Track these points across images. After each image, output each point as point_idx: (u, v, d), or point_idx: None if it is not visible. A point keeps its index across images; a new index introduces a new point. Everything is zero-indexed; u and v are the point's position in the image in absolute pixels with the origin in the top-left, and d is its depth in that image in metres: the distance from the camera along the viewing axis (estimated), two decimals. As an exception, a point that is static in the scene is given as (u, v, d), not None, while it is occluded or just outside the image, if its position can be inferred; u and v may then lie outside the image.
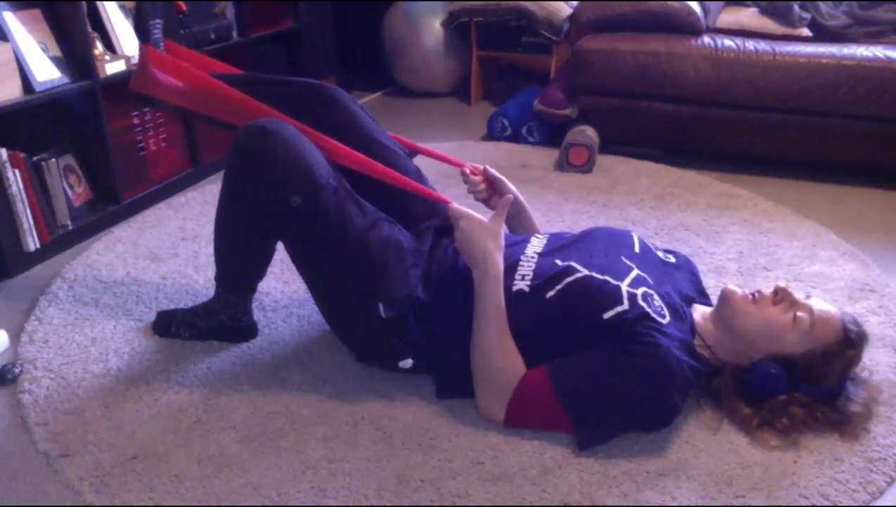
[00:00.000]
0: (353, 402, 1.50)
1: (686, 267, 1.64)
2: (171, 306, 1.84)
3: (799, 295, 1.41)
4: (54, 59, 2.19)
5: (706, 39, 2.78)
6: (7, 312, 1.88)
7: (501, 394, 1.38)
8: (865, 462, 1.33)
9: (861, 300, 1.88)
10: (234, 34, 2.97)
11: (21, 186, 2.04)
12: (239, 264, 1.64)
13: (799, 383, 1.37)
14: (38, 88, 2.09)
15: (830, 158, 2.73)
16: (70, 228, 2.25)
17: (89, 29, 2.26)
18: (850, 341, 1.37)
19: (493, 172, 1.69)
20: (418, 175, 1.72)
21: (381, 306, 1.42)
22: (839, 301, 1.88)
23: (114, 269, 2.08)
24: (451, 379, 1.49)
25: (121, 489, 1.28)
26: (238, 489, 1.28)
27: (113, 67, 2.33)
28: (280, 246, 1.61)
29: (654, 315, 1.35)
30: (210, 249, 2.13)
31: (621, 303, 1.35)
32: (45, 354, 1.67)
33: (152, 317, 1.79)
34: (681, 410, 1.39)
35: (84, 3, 2.24)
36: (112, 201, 2.41)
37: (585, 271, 1.41)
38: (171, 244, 2.23)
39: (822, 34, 2.91)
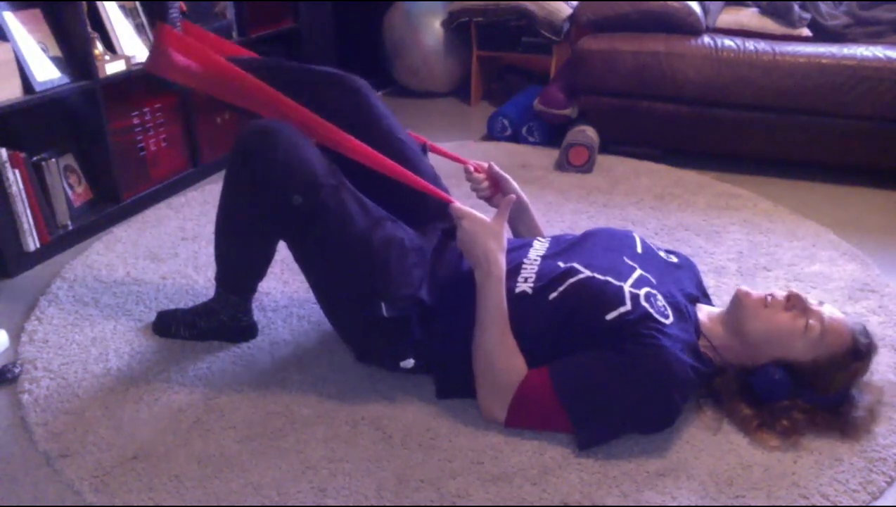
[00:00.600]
0: (353, 402, 1.50)
1: (688, 267, 1.64)
2: (171, 306, 1.84)
3: (812, 301, 1.40)
4: (54, 59, 2.19)
5: (706, 39, 2.78)
6: (7, 312, 1.88)
7: (503, 394, 1.38)
8: (865, 462, 1.33)
9: (861, 300, 1.88)
10: (234, 34, 2.98)
11: (21, 186, 2.04)
12: (239, 264, 1.64)
13: (802, 390, 1.37)
14: (38, 88, 2.09)
15: (830, 158, 2.73)
16: (70, 228, 2.25)
17: (89, 29, 2.26)
18: (858, 353, 1.36)
19: (498, 170, 1.68)
20: (434, 176, 1.70)
21: (383, 305, 1.41)
22: (839, 301, 1.88)
23: (114, 269, 2.08)
24: (452, 379, 1.49)
25: (121, 489, 1.28)
26: (238, 489, 1.28)
27: (113, 67, 2.33)
28: (280, 246, 1.61)
29: (656, 316, 1.35)
30: (210, 249, 2.13)
31: (624, 304, 1.35)
32: (45, 354, 1.67)
33: (152, 317, 1.79)
34: (682, 411, 1.39)
35: (84, 3, 2.24)
36: (112, 201, 2.41)
37: (588, 273, 1.41)
38: (171, 244, 2.23)
39: (822, 34, 2.91)
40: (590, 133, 2.88)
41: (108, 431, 1.42)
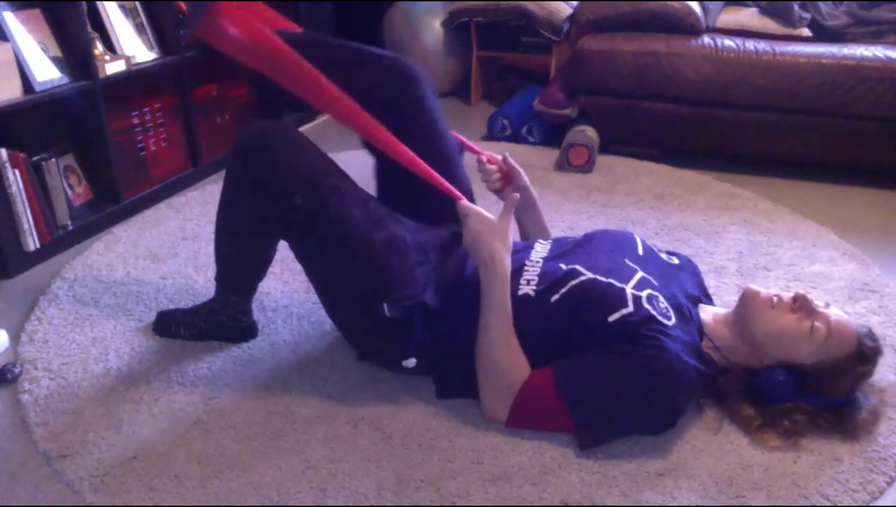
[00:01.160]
0: (353, 402, 1.50)
1: (689, 268, 1.64)
2: (171, 306, 1.84)
3: (818, 303, 1.39)
4: (54, 59, 2.19)
5: (706, 39, 2.78)
6: (7, 312, 1.88)
7: (506, 394, 1.38)
8: (865, 462, 1.33)
9: (861, 300, 1.88)
10: (234, 34, 2.97)
11: (21, 186, 2.04)
12: (239, 264, 1.63)
13: (806, 392, 1.37)
14: (38, 88, 2.09)
15: (830, 158, 2.73)
16: (70, 228, 2.25)
17: (89, 29, 2.26)
18: (863, 357, 1.36)
19: (513, 162, 1.68)
20: (466, 180, 1.68)
21: (385, 305, 1.41)
22: (839, 301, 1.88)
23: (114, 269, 2.08)
24: (452, 379, 1.48)
25: (121, 489, 1.28)
26: (238, 489, 1.28)
27: (113, 67, 2.33)
28: (280, 246, 1.61)
29: (659, 317, 1.35)
30: (210, 249, 2.13)
31: (626, 305, 1.35)
32: (45, 354, 1.67)
33: (152, 317, 1.79)
34: (684, 413, 1.39)
35: (84, 3, 2.24)
36: (112, 201, 2.41)
37: (590, 274, 1.41)
38: (171, 244, 2.23)
39: (822, 34, 2.91)
40: (590, 133, 2.88)
41: (108, 431, 1.42)
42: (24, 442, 1.41)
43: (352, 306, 1.48)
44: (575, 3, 3.34)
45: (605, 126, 2.96)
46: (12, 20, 2.10)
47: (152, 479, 1.30)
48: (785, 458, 1.34)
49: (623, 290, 1.38)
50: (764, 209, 2.46)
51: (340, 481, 1.30)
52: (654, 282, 1.45)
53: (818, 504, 1.24)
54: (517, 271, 1.46)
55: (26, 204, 2.06)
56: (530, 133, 3.15)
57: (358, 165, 1.72)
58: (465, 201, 1.44)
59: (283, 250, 1.59)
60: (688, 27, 2.82)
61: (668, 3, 2.82)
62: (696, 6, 2.86)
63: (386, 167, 1.56)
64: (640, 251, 1.54)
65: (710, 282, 1.93)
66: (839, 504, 1.25)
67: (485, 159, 1.67)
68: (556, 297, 1.40)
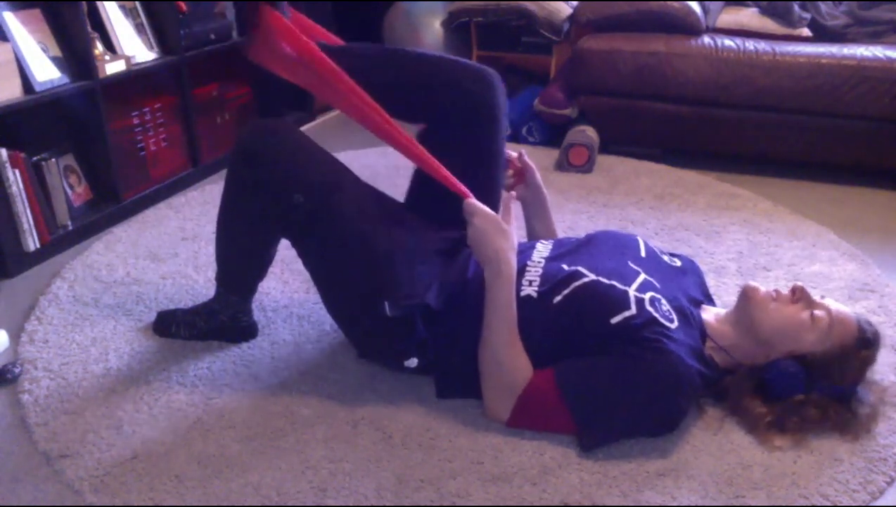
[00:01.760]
0: (353, 402, 1.50)
1: (691, 271, 1.64)
2: (171, 306, 1.84)
3: (815, 295, 1.42)
4: (54, 59, 2.19)
5: (706, 39, 2.78)
6: (7, 312, 1.88)
7: (509, 394, 1.38)
8: (865, 462, 1.33)
9: (861, 300, 1.88)
10: (234, 34, 2.97)
11: (21, 186, 2.04)
12: (240, 263, 1.63)
13: (816, 383, 1.38)
14: (38, 88, 2.09)
15: (830, 158, 2.73)
16: (70, 228, 2.25)
17: (89, 29, 2.26)
18: (866, 341, 1.38)
19: (528, 160, 1.68)
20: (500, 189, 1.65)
21: (386, 304, 1.41)
22: (839, 301, 1.86)
23: (114, 269, 2.08)
24: (453, 379, 1.48)
25: (121, 489, 1.28)
26: (238, 489, 1.28)
27: (113, 67, 2.33)
28: (280, 246, 1.61)
29: (661, 320, 1.35)
30: (210, 249, 2.13)
31: (629, 308, 1.35)
32: (45, 354, 1.67)
33: (152, 317, 1.79)
34: (686, 415, 1.39)
35: (84, 3, 2.24)
36: (112, 201, 2.41)
37: (592, 276, 1.40)
38: (171, 244, 2.23)
39: (822, 34, 2.91)
40: (590, 133, 2.88)
41: (108, 431, 1.42)
42: (24, 442, 1.41)
43: (353, 305, 1.48)
44: (575, 3, 3.34)
45: (605, 126, 2.97)
46: (12, 20, 2.10)
47: (152, 479, 1.30)
48: (785, 458, 1.34)
49: (626, 292, 1.38)
50: (764, 209, 2.46)
51: (340, 481, 1.30)
52: (657, 284, 1.45)
53: (818, 504, 1.24)
54: (519, 272, 1.45)
55: (26, 204, 2.06)
56: (530, 133, 3.15)
57: (358, 166, 1.73)
58: (472, 200, 1.41)
59: (283, 250, 1.59)
60: (688, 27, 2.82)
61: (668, 3, 2.82)
62: (696, 6, 2.86)
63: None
64: (643, 253, 1.54)
65: (710, 282, 1.93)
66: (839, 504, 1.25)
67: None
68: (558, 298, 1.39)
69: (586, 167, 2.80)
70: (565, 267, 1.44)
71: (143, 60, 2.49)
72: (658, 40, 2.80)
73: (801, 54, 2.63)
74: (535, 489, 1.27)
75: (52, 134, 2.28)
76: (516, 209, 1.45)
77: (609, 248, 1.53)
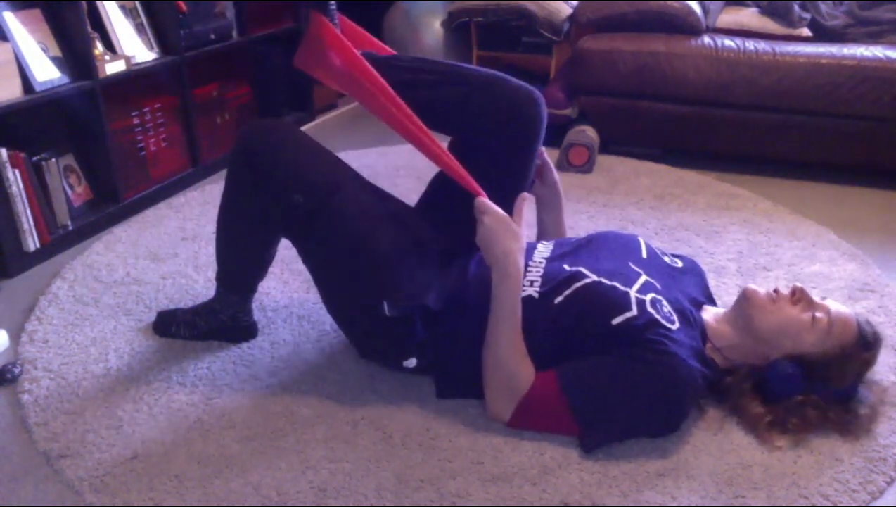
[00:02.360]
0: (353, 402, 1.50)
1: (693, 271, 1.64)
2: (171, 306, 1.84)
3: (815, 296, 1.41)
4: (54, 59, 2.19)
5: (706, 39, 2.78)
6: (7, 312, 1.88)
7: (511, 395, 1.38)
8: (865, 462, 1.33)
9: (861, 300, 1.88)
10: (234, 34, 2.97)
11: (21, 186, 2.04)
12: (240, 263, 1.63)
13: (815, 384, 1.38)
14: (38, 88, 2.09)
15: (830, 158, 2.73)
16: (70, 228, 2.25)
17: (89, 29, 2.26)
18: (866, 343, 1.38)
19: (547, 157, 1.68)
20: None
21: (385, 305, 1.41)
22: (839, 301, 1.87)
23: (114, 269, 2.08)
24: (453, 379, 1.48)
25: (121, 489, 1.28)
26: (238, 489, 1.28)
27: (113, 67, 2.33)
28: (280, 246, 1.61)
29: (662, 321, 1.35)
30: (210, 249, 2.13)
31: (630, 309, 1.35)
32: (45, 354, 1.67)
33: (152, 317, 1.79)
34: (688, 416, 1.39)
35: (84, 3, 2.24)
36: (112, 201, 2.41)
37: (594, 277, 1.40)
38: (171, 244, 2.23)
39: (822, 34, 2.91)
40: (590, 133, 2.88)
41: (108, 431, 1.42)
42: (24, 442, 1.41)
43: (352, 305, 1.48)
44: (575, 3, 3.34)
45: (605, 126, 2.97)
46: (12, 20, 2.10)
47: (152, 479, 1.30)
48: (785, 458, 1.34)
49: (627, 293, 1.38)
50: (764, 209, 2.46)
51: (340, 481, 1.30)
52: (658, 286, 1.45)
53: (818, 504, 1.24)
54: None
55: (26, 204, 2.06)
56: (530, 133, 3.14)
57: (358, 166, 1.73)
58: (483, 198, 1.39)
59: (283, 250, 1.59)
60: (688, 27, 2.82)
61: (668, 3, 2.82)
62: (696, 6, 2.86)
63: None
64: (644, 254, 1.54)
65: (710, 282, 1.93)
66: (839, 504, 1.25)
67: None
68: (559, 299, 1.39)
69: (586, 167, 2.80)
70: (567, 268, 1.44)
71: (143, 60, 2.49)
72: (658, 40, 2.80)
73: (801, 54, 2.63)
74: (535, 489, 1.27)
75: (52, 134, 2.28)
76: (528, 211, 1.44)
77: (610, 249, 1.52)
